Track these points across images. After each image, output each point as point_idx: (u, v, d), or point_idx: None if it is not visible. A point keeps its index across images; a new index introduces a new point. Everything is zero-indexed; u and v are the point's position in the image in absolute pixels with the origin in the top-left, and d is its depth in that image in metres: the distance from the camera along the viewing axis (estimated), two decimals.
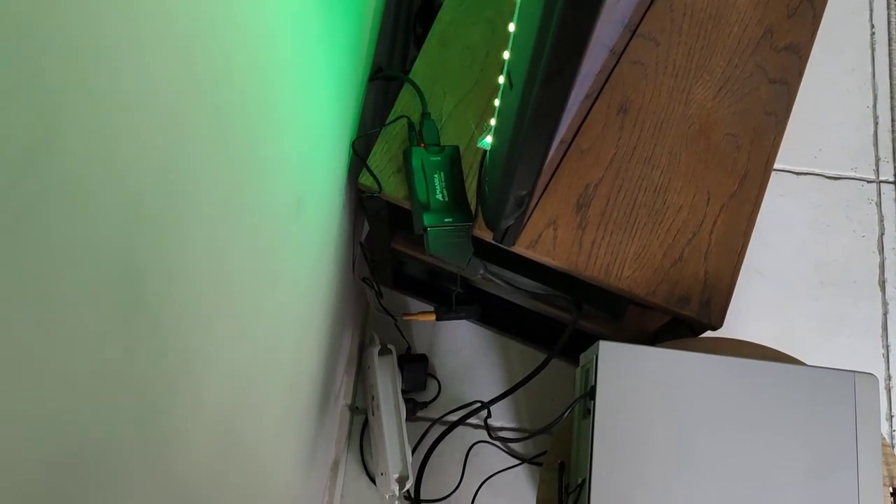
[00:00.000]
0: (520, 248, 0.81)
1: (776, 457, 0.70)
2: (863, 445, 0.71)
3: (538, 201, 0.82)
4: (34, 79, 0.21)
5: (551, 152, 0.56)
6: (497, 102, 0.59)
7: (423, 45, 0.89)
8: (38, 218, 0.23)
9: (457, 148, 0.82)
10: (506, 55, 0.52)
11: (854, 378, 0.73)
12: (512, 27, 0.49)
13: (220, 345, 0.45)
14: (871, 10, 1.47)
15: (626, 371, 0.73)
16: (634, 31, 0.91)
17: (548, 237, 0.81)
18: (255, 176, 0.47)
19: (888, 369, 1.23)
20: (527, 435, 0.90)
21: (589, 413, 0.73)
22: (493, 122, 0.63)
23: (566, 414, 0.75)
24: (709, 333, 0.82)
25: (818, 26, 0.92)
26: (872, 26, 1.45)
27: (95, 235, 0.27)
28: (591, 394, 0.73)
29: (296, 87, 0.53)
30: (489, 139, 0.65)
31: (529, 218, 0.82)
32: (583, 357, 0.79)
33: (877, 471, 0.70)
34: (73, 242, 0.25)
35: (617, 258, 0.81)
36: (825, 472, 0.70)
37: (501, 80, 0.55)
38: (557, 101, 0.47)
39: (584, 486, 0.71)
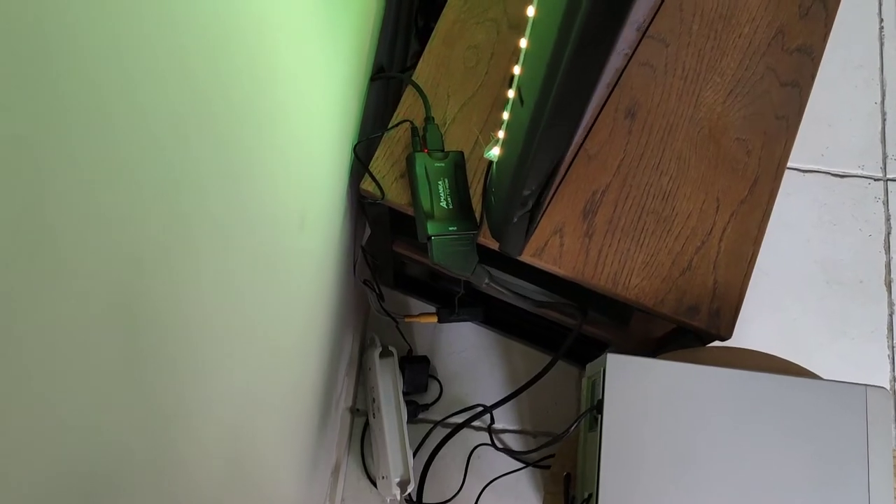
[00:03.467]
0: (525, 257, 0.79)
1: (787, 471, 0.69)
2: (874, 459, 0.70)
3: (544, 211, 0.81)
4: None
5: (561, 170, 0.54)
6: (505, 115, 0.57)
7: (427, 46, 0.87)
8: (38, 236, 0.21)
9: (461, 153, 0.80)
10: (516, 70, 0.50)
11: (866, 392, 0.72)
12: (524, 43, 0.47)
13: (221, 365, 0.44)
14: (880, 3, 1.44)
15: (633, 384, 0.71)
16: (644, 33, 0.88)
17: (554, 245, 0.80)
18: (258, 197, 0.45)
19: (894, 371, 1.22)
20: (532, 449, 0.89)
21: (596, 424, 0.72)
22: (500, 133, 0.61)
23: (572, 428, 0.74)
24: (717, 342, 0.81)
25: (831, 28, 0.89)
26: (881, 20, 1.43)
27: (95, 259, 0.25)
28: (598, 407, 0.72)
29: (297, 97, 0.51)
30: (496, 150, 0.63)
31: (536, 227, 0.80)
32: (589, 368, 0.78)
33: (888, 484, 0.69)
34: (73, 262, 0.24)
35: (625, 267, 0.79)
36: (836, 486, 0.69)
37: (511, 94, 0.53)
38: (571, 122, 0.45)
39: (591, 501, 0.70)
